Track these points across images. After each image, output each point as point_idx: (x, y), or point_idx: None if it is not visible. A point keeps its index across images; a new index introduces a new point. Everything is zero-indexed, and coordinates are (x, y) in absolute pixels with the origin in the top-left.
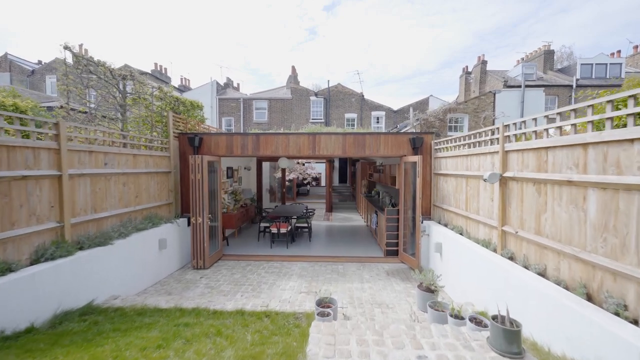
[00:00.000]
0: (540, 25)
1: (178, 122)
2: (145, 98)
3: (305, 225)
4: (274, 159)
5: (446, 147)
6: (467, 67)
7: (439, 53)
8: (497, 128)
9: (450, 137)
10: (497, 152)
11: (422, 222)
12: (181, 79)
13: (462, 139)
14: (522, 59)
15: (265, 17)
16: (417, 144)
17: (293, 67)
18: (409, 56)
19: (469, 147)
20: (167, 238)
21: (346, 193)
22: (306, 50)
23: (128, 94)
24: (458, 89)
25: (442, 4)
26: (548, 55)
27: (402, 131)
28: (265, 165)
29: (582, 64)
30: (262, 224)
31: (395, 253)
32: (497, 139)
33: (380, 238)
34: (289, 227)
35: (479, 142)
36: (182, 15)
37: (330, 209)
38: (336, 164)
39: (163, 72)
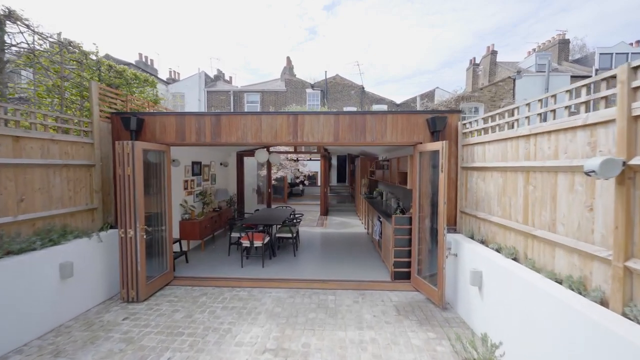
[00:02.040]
0: (540, 25)
1: (112, 98)
2: (53, 60)
3: (290, 235)
4: (249, 153)
5: (483, 129)
6: (474, 58)
7: (439, 53)
8: (611, 76)
9: (492, 113)
10: (609, 120)
11: (445, 236)
12: (170, 71)
13: (512, 112)
14: (534, 49)
15: (265, 17)
16: (437, 127)
17: (288, 58)
18: (409, 56)
19: (525, 122)
20: (76, 260)
21: (345, 193)
22: (306, 50)
23: (8, 46)
24: (465, 83)
25: (442, 3)
26: (563, 45)
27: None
28: (251, 162)
29: (601, 54)
30: (234, 234)
31: (406, 276)
32: (606, 97)
33: (386, 254)
34: (267, 239)
35: (555, 110)
36: (182, 14)
37: (325, 212)
38: (334, 161)
39: (149, 63)
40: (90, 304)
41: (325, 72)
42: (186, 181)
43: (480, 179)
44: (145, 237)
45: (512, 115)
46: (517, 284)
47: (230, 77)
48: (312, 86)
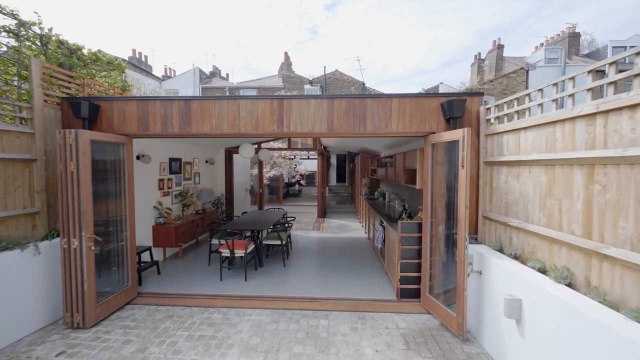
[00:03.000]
0: (541, 25)
1: (63, 80)
2: None
3: (278, 242)
4: (232, 150)
5: (516, 112)
6: (479, 54)
7: (439, 53)
8: None
9: (528, 91)
10: None
11: (466, 248)
12: (165, 68)
13: (558, 86)
14: (542, 44)
15: (265, 17)
16: (455, 112)
17: (286, 54)
18: (409, 56)
19: (569, 103)
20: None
21: (344, 194)
22: (306, 50)
23: None
24: (469, 80)
25: (443, 3)
26: (573, 38)
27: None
28: (242, 159)
29: (614, 47)
30: (215, 241)
31: (415, 294)
32: None
33: (390, 265)
34: (251, 247)
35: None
36: (181, 13)
37: (323, 213)
38: (333, 160)
39: (143, 59)
40: (24, 332)
41: (324, 67)
42: (161, 180)
43: (512, 176)
44: (94, 248)
45: (561, 90)
46: (583, 324)
47: (227, 74)
48: (311, 82)
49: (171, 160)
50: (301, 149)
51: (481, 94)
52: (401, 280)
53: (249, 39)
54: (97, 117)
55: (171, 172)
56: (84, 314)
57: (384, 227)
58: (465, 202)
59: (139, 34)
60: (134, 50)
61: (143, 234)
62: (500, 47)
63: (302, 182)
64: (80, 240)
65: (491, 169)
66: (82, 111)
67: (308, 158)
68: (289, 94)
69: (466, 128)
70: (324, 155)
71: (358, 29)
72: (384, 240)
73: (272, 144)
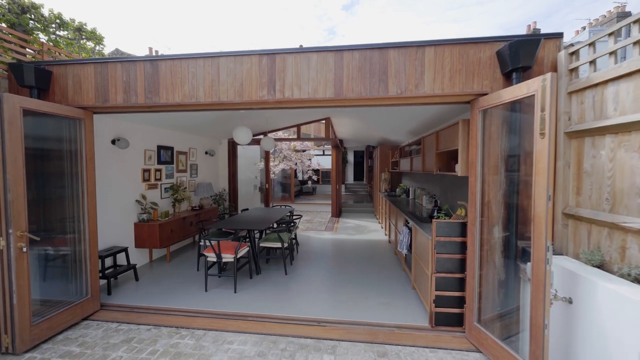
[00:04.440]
0: (576, 14)
1: (12, 43)
2: None
3: (278, 245)
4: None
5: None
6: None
7: None
8: None
9: None
10: None
11: (548, 263)
12: None
13: None
14: (584, 27)
15: (281, 19)
16: (521, 59)
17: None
18: None
19: None
20: None
21: (362, 192)
22: None
23: None
24: None
25: None
26: (622, 18)
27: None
28: (250, 153)
29: None
30: (204, 242)
31: (456, 321)
32: None
33: (421, 280)
34: (243, 250)
35: None
36: (197, 18)
37: (337, 213)
38: (350, 157)
39: None
40: None
41: None
42: (147, 170)
43: (625, 149)
44: (25, 249)
45: None
46: None
47: None
48: None
49: (160, 148)
50: (313, 139)
51: (560, 34)
52: (437, 302)
53: (265, 41)
54: (50, 86)
55: (160, 162)
56: (14, 335)
57: (410, 229)
58: (548, 190)
59: (157, 32)
60: (150, 49)
61: (123, 233)
62: (536, 31)
63: (313, 177)
64: (8, 239)
65: (580, 143)
66: (27, 78)
67: (323, 154)
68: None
69: (549, 73)
70: (338, 148)
71: (376, 28)
72: (411, 245)
73: (280, 134)
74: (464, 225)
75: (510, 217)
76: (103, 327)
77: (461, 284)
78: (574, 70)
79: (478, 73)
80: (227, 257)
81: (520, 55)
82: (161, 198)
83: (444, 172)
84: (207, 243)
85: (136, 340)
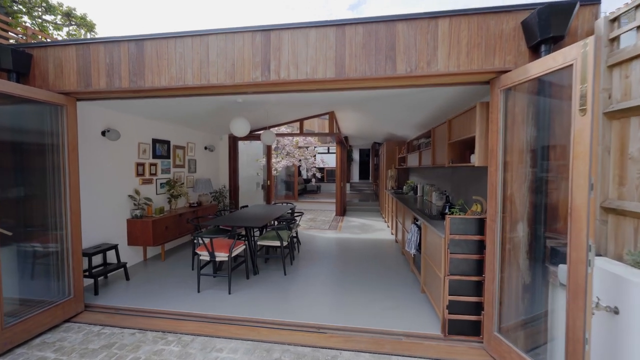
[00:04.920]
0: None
1: None
2: None
3: (277, 243)
4: (245, 136)
5: None
6: None
7: None
8: None
9: None
10: None
11: (590, 265)
12: None
13: None
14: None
15: (285, 19)
16: (552, 28)
17: None
18: None
19: None
20: None
21: (367, 191)
22: None
23: None
24: None
25: None
26: None
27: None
28: (253, 150)
29: None
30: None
31: (472, 330)
32: None
33: (432, 282)
34: (239, 249)
35: None
36: (200, 19)
37: (342, 211)
38: (356, 155)
39: None
40: None
41: None
42: (140, 164)
43: None
44: None
45: None
46: None
47: None
48: None
49: (155, 141)
50: (316, 134)
51: (597, 1)
52: (450, 307)
53: None
54: (30, 70)
55: (155, 156)
56: None
57: (419, 227)
58: (590, 178)
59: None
60: None
61: (114, 229)
62: None
63: (317, 174)
64: None
65: (624, 125)
66: (3, 60)
67: (328, 152)
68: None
69: (591, 37)
70: (343, 145)
71: None
72: (420, 245)
73: (282, 130)
74: (481, 222)
75: (537, 212)
76: (84, 331)
77: (478, 288)
78: (615, 40)
79: (500, 47)
80: (221, 256)
81: (551, 23)
82: (156, 194)
83: (458, 164)
84: (200, 241)
85: (117, 346)
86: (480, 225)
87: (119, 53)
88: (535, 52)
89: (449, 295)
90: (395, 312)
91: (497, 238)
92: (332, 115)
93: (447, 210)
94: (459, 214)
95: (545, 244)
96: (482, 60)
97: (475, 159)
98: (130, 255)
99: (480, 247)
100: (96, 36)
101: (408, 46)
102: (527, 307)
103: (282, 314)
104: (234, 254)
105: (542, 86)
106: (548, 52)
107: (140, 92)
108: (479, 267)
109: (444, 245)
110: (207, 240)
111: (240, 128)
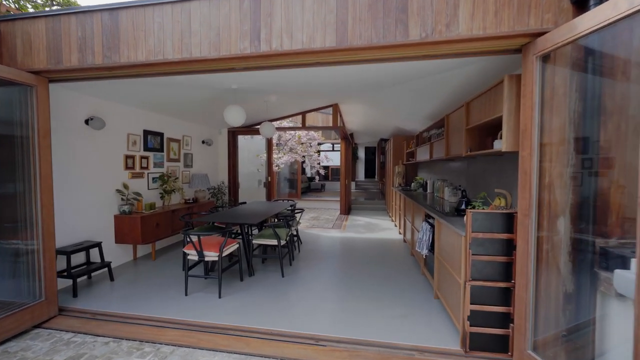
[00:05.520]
0: None
1: None
2: None
3: (274, 242)
4: (245, 130)
5: None
6: None
7: None
8: None
9: None
10: None
11: None
12: None
13: None
14: None
15: None
16: None
17: None
18: None
19: None
20: None
21: (373, 190)
22: None
23: None
24: None
25: None
26: None
27: None
28: (255, 145)
29: None
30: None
31: (499, 345)
32: None
33: (448, 288)
34: (231, 248)
35: None
36: None
37: (346, 210)
38: (361, 153)
39: None
40: None
41: None
42: (130, 157)
43: None
44: None
45: None
46: None
47: None
48: None
49: (147, 133)
50: (319, 128)
51: None
52: (472, 319)
53: None
54: None
55: (147, 149)
56: None
57: (431, 225)
58: None
59: None
60: None
61: (101, 226)
62: None
63: (321, 172)
64: None
65: None
66: None
67: (332, 149)
68: None
69: None
70: (347, 140)
71: None
72: (432, 245)
73: (284, 124)
74: (510, 218)
75: (584, 204)
76: (54, 338)
77: (506, 296)
78: None
79: (536, 3)
80: (211, 256)
81: None
82: (148, 189)
83: (478, 152)
84: (188, 238)
85: (86, 358)
86: (509, 222)
87: (92, 25)
88: (581, 7)
89: (471, 304)
90: (406, 321)
91: (531, 236)
92: (335, 108)
93: (463, 206)
94: (479, 209)
95: (594, 244)
96: (514, 20)
97: (503, 143)
98: (119, 254)
99: (508, 247)
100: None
101: (423, 6)
102: (568, 319)
103: (277, 322)
104: (226, 254)
105: (591, 48)
106: (599, 4)
107: (116, 70)
108: (507, 272)
109: (464, 245)
110: (195, 238)
111: (235, 116)
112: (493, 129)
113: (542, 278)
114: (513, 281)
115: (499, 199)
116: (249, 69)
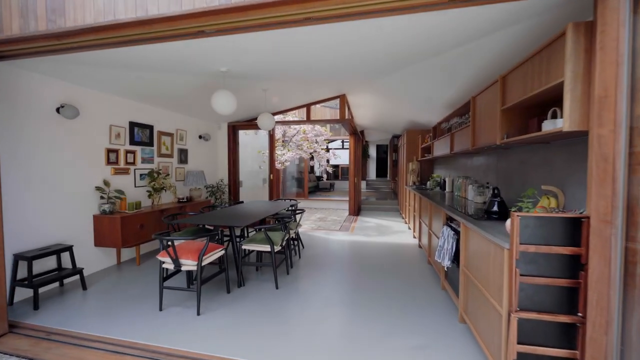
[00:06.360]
0: None
1: None
2: None
3: (267, 248)
4: (246, 125)
5: None
6: None
7: None
8: None
9: None
10: None
11: None
12: None
13: None
14: None
15: None
16: None
17: None
18: None
19: None
20: None
21: (385, 189)
22: None
23: None
24: None
25: None
26: None
27: None
28: (259, 142)
29: None
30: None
31: None
32: None
33: (478, 313)
34: (215, 255)
35: None
36: None
37: (355, 211)
38: (372, 152)
39: None
40: None
41: None
42: (114, 151)
43: None
44: None
45: None
46: None
47: None
48: None
49: (133, 125)
50: (326, 121)
51: None
52: None
53: None
54: None
55: (134, 143)
56: None
57: (456, 231)
58: None
59: None
60: None
61: (77, 227)
62: None
63: (328, 170)
64: None
65: None
66: None
67: (342, 147)
68: None
69: None
70: (357, 136)
71: None
72: (454, 254)
73: (289, 117)
74: (576, 224)
75: None
76: None
77: (569, 334)
78: None
79: None
80: (189, 264)
81: None
82: (135, 186)
83: (519, 138)
84: (162, 244)
85: None
86: (573, 230)
87: None
88: None
89: (518, 343)
90: (425, 354)
91: (617, 252)
92: (342, 99)
93: (495, 207)
94: (533, 211)
95: None
96: None
97: (565, 120)
98: (99, 258)
99: (573, 265)
100: None
101: None
102: None
103: (263, 349)
104: (207, 262)
105: None
106: None
107: (63, 38)
108: (571, 299)
109: (507, 261)
110: (170, 248)
111: (224, 104)
112: (538, 108)
113: (631, 312)
114: (580, 314)
115: (547, 198)
116: (222, 31)
